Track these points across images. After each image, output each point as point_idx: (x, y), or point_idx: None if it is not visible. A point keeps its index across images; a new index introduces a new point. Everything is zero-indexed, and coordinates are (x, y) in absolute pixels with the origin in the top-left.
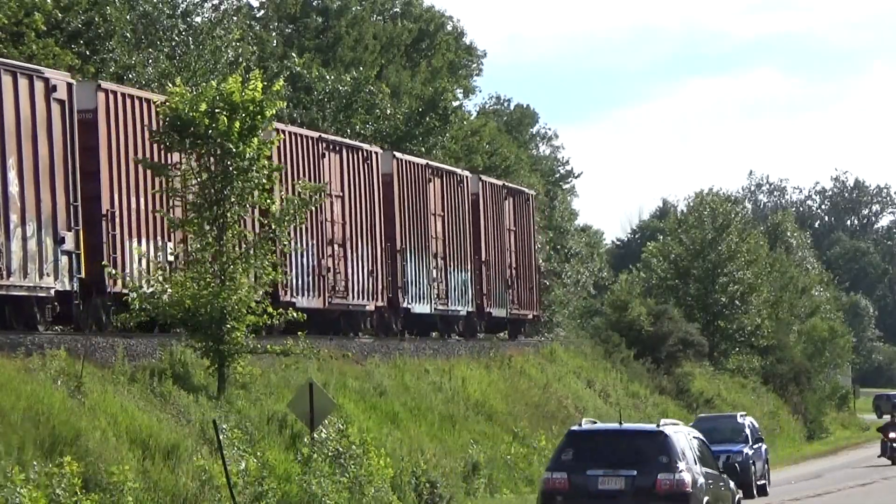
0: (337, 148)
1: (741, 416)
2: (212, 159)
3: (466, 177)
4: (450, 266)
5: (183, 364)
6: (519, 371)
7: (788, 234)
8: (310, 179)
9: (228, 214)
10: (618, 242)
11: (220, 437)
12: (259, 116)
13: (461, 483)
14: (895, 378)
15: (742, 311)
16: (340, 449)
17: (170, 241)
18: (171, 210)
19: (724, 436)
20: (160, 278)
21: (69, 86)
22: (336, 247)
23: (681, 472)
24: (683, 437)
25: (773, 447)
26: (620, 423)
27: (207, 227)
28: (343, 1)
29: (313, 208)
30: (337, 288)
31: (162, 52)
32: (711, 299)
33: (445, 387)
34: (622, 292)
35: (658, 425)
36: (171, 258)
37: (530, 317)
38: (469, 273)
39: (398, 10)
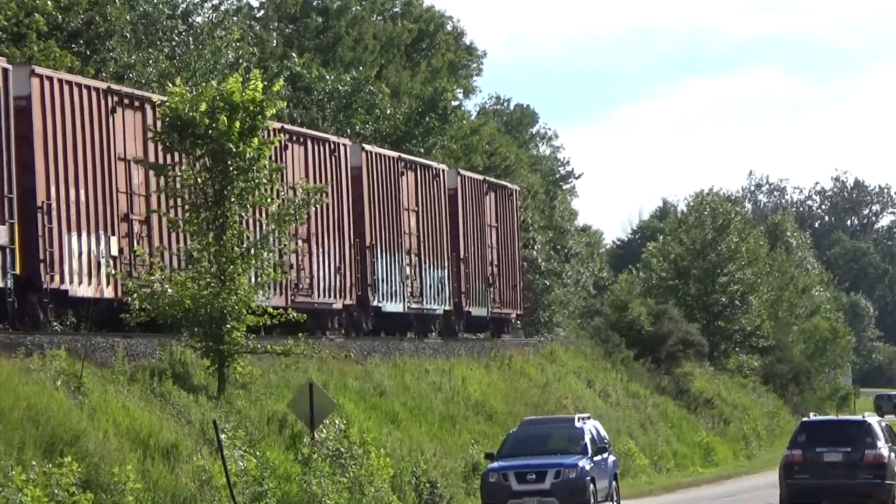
0: (301, 139)
1: (581, 418)
2: (212, 159)
3: (443, 170)
4: (425, 263)
5: (183, 364)
6: (519, 371)
7: (788, 234)
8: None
9: (228, 214)
10: (618, 242)
11: (220, 437)
12: (259, 116)
13: (461, 483)
14: (895, 378)
15: (742, 311)
16: (340, 449)
17: (113, 235)
18: (170, 210)
19: (557, 445)
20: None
21: (3, 71)
22: (300, 243)
23: (880, 448)
24: (880, 425)
25: (773, 447)
26: (836, 416)
27: (207, 227)
28: (343, 1)
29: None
30: (301, 286)
31: (162, 53)
32: (711, 299)
33: (445, 387)
34: (622, 292)
35: (863, 417)
36: (115, 254)
37: (514, 316)
38: (446, 270)
39: (398, 10)
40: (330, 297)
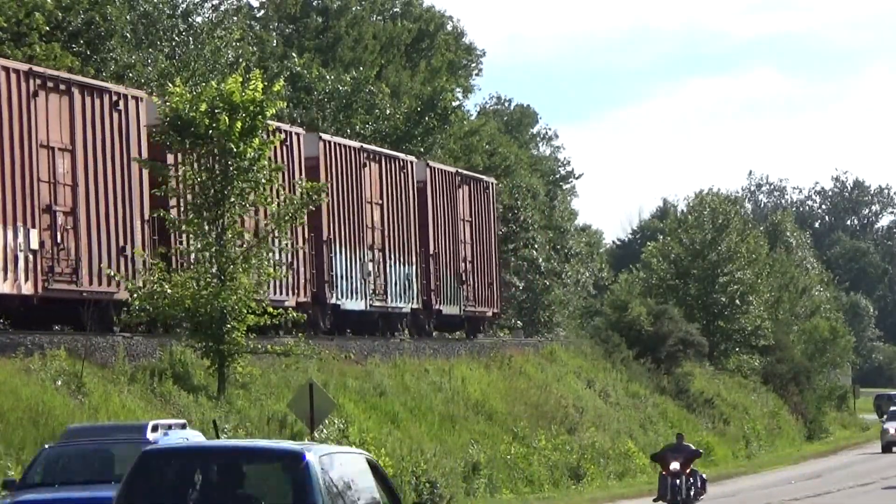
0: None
1: (161, 427)
2: (212, 159)
3: (410, 162)
4: (390, 259)
5: (183, 364)
6: (519, 371)
7: (788, 234)
8: None
9: (228, 214)
10: (618, 242)
11: (220, 437)
12: (259, 116)
13: (461, 483)
14: (895, 378)
15: (742, 311)
16: None
17: (34, 227)
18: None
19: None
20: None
21: None
22: (246, 236)
23: None
24: None
25: (773, 447)
26: None
27: (208, 228)
28: (343, 1)
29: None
30: None
31: (162, 52)
32: (711, 299)
33: (445, 387)
34: (622, 292)
35: None
36: (35, 247)
37: (490, 314)
38: (414, 267)
39: (398, 10)
40: (282, 293)
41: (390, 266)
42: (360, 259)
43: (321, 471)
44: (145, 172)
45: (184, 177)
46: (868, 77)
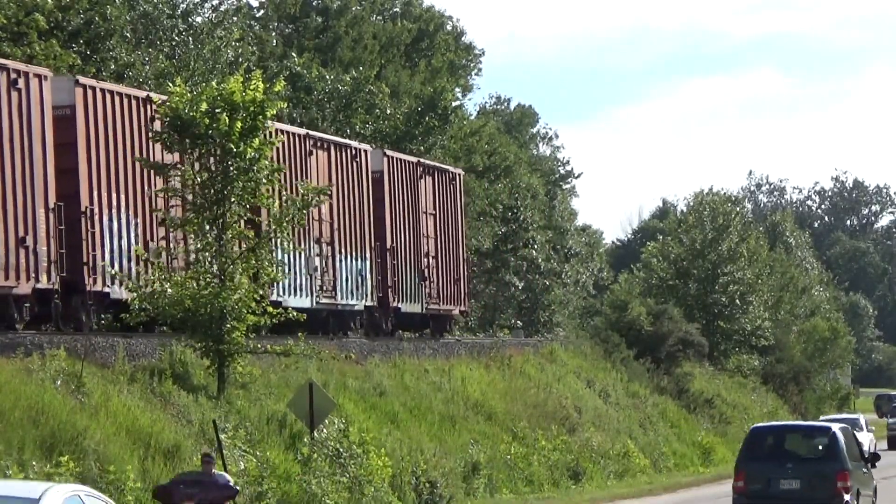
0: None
1: None
2: (212, 159)
3: (364, 151)
4: (339, 253)
5: (183, 364)
6: (518, 371)
7: (787, 234)
8: (138, 153)
9: (228, 214)
10: (618, 243)
11: (220, 437)
12: (260, 116)
13: (461, 483)
14: (895, 378)
15: (742, 311)
16: (340, 449)
17: None
18: (169, 210)
19: None
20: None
21: None
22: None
23: None
24: None
25: None
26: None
27: (208, 227)
28: (343, 1)
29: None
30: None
31: (162, 52)
32: (711, 299)
33: (445, 387)
34: (622, 292)
35: None
36: None
37: (456, 312)
38: (368, 262)
39: (398, 10)
40: None
41: (340, 261)
42: (304, 253)
43: None
44: (50, 157)
45: (184, 176)
46: (868, 77)
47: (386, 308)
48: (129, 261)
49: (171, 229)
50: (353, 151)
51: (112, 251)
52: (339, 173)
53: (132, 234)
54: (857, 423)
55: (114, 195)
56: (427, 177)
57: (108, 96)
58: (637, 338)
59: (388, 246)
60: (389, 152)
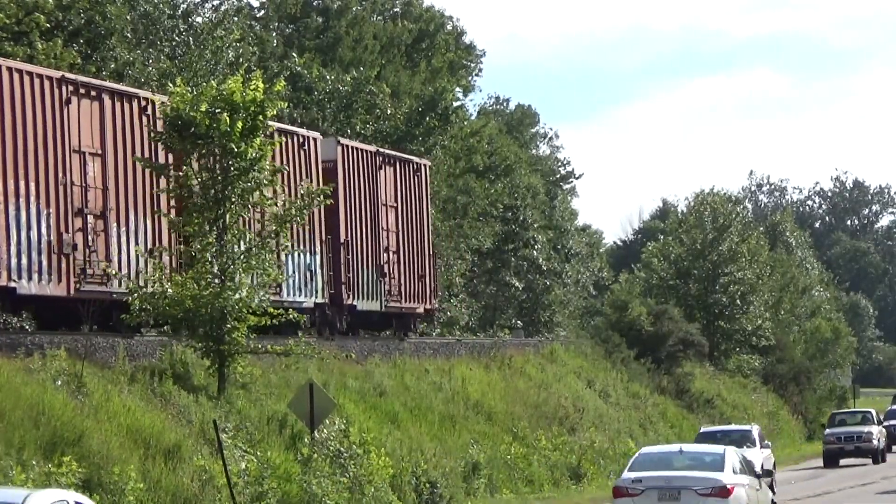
0: (93, 93)
1: None
2: (213, 159)
3: (314, 139)
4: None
5: (183, 364)
6: (519, 371)
7: (788, 234)
8: (51, 136)
9: (229, 215)
10: (618, 243)
11: (221, 437)
12: (260, 116)
13: (461, 483)
14: (895, 378)
15: (742, 311)
16: (340, 449)
17: None
18: (170, 210)
19: None
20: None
21: None
22: (91, 218)
23: None
24: None
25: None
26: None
27: (208, 228)
28: (343, 1)
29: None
30: (90, 271)
31: (162, 52)
32: (712, 299)
33: (445, 387)
34: (622, 292)
35: None
36: None
37: (421, 311)
38: (318, 256)
39: (398, 10)
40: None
41: (286, 255)
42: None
43: None
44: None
45: (185, 176)
46: (868, 77)
47: (340, 306)
48: (39, 254)
49: (172, 229)
50: (300, 139)
51: (20, 244)
52: (287, 162)
53: (43, 226)
54: (748, 435)
55: (21, 184)
56: (388, 167)
57: (15, 75)
58: (637, 338)
59: (342, 240)
60: (344, 141)
